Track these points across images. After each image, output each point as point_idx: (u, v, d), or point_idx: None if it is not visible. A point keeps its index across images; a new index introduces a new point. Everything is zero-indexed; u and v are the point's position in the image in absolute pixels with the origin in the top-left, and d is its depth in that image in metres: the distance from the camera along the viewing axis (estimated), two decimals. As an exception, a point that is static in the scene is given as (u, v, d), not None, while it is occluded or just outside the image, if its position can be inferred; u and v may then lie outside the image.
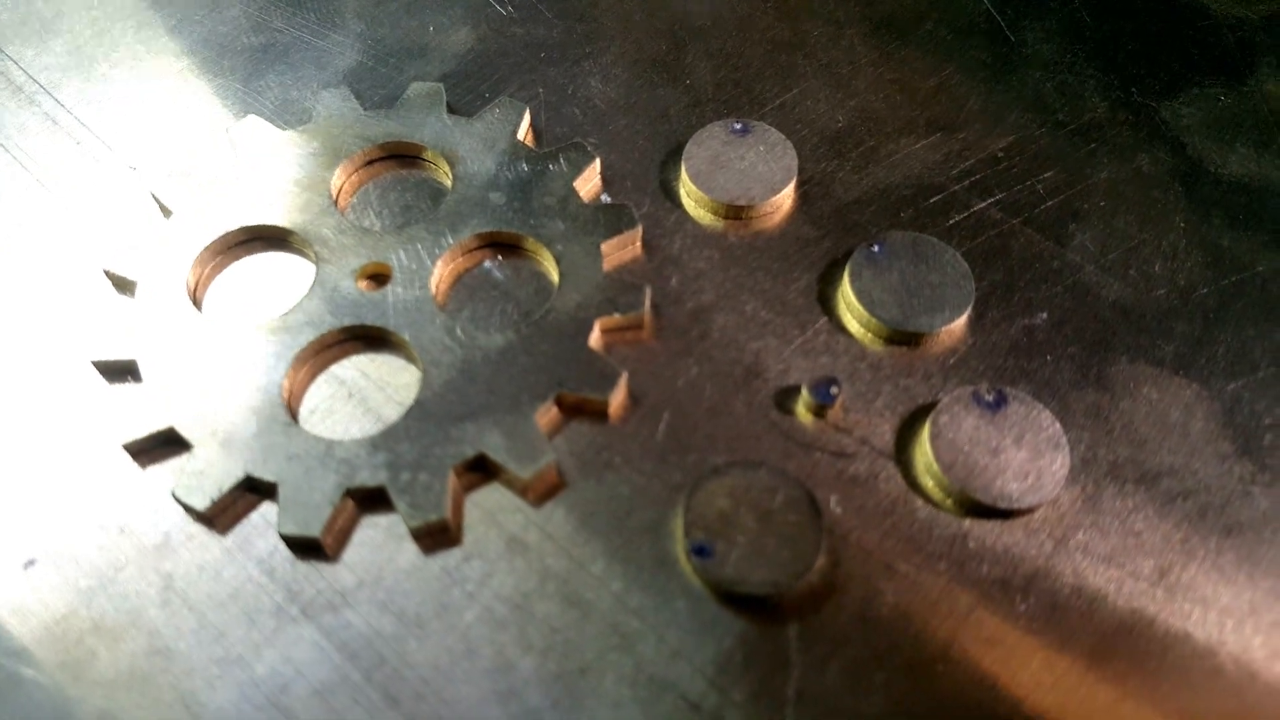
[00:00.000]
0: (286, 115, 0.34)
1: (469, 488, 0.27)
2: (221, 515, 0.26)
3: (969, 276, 0.30)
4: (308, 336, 0.29)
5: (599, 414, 0.28)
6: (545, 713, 0.24)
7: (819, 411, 0.28)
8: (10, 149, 0.34)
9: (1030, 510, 0.26)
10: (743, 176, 0.32)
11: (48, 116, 0.35)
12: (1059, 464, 0.26)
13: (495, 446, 0.27)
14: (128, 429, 0.27)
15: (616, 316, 0.29)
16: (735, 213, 0.32)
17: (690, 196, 0.32)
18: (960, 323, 0.29)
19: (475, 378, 0.28)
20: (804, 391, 0.28)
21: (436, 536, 0.26)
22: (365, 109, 0.33)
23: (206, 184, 0.32)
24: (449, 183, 0.32)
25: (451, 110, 0.34)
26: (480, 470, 0.27)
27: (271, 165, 0.32)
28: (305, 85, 0.35)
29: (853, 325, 0.30)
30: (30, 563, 0.26)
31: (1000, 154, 0.33)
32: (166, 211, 0.32)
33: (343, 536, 0.26)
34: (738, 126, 0.33)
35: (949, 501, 0.27)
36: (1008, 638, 0.25)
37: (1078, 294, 0.30)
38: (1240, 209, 0.33)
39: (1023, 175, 0.33)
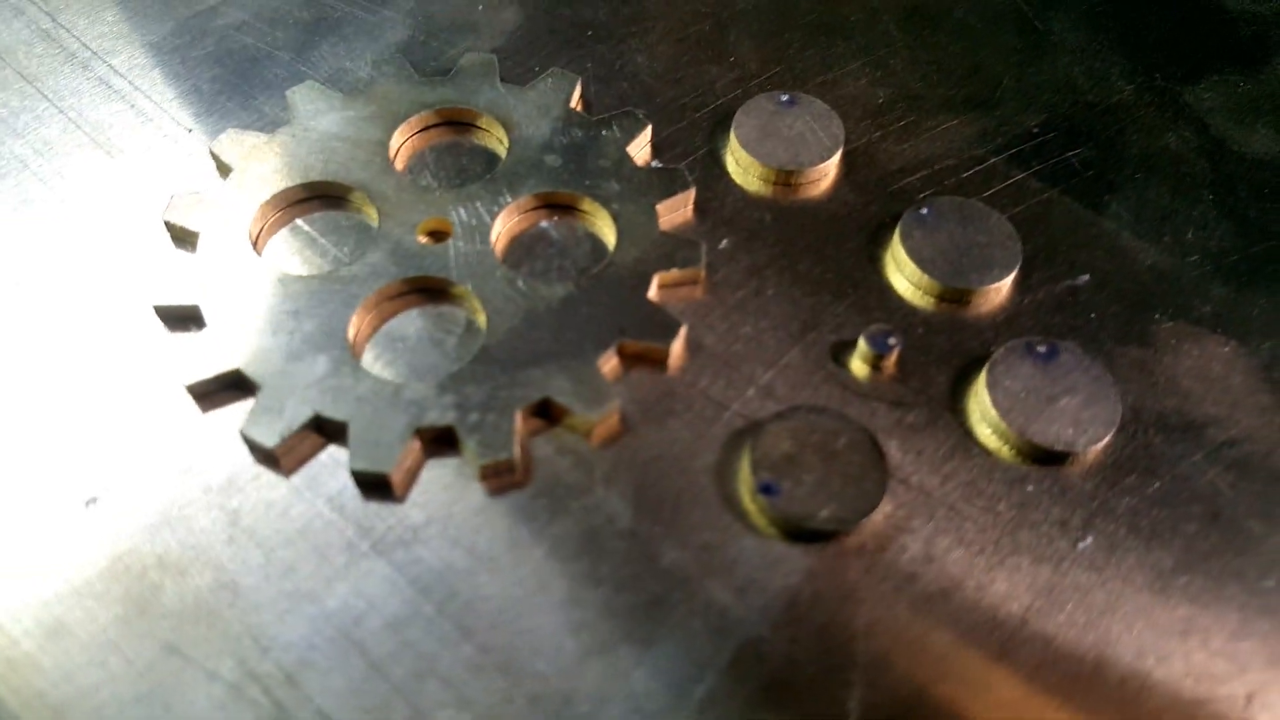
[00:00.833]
0: (340, 84, 0.35)
1: (534, 431, 0.27)
2: (288, 455, 0.26)
3: (1015, 237, 0.30)
4: (372, 286, 0.29)
5: (659, 363, 0.28)
6: (618, 644, 0.24)
7: (876, 363, 0.28)
8: (66, 111, 0.34)
9: (1084, 454, 0.27)
10: (791, 144, 0.33)
11: (101, 81, 0.36)
12: (1111, 411, 0.27)
13: (562, 390, 0.27)
14: (191, 371, 0.27)
15: (675, 271, 0.30)
16: (784, 178, 0.32)
17: (739, 163, 0.33)
18: (1008, 281, 0.30)
19: (539, 325, 0.28)
20: (861, 343, 0.28)
21: (503, 476, 0.26)
22: (420, 76, 0.34)
23: (264, 143, 0.32)
24: (503, 149, 0.33)
25: (504, 79, 0.34)
26: (544, 415, 0.27)
27: (329, 127, 0.32)
28: (358, 57, 0.36)
29: (902, 285, 0.30)
30: (92, 500, 0.26)
31: (1035, 130, 0.35)
32: (225, 169, 0.32)
33: (411, 476, 0.26)
34: (785, 98, 0.34)
35: (1005, 448, 0.27)
36: (1068, 576, 0.25)
37: (1117, 257, 0.31)
38: (1265, 184, 0.34)
39: (1057, 149, 0.34)
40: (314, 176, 0.31)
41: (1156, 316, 0.30)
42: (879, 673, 0.24)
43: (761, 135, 0.33)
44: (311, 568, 0.25)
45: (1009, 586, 0.25)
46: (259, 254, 0.30)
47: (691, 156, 0.33)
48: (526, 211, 0.32)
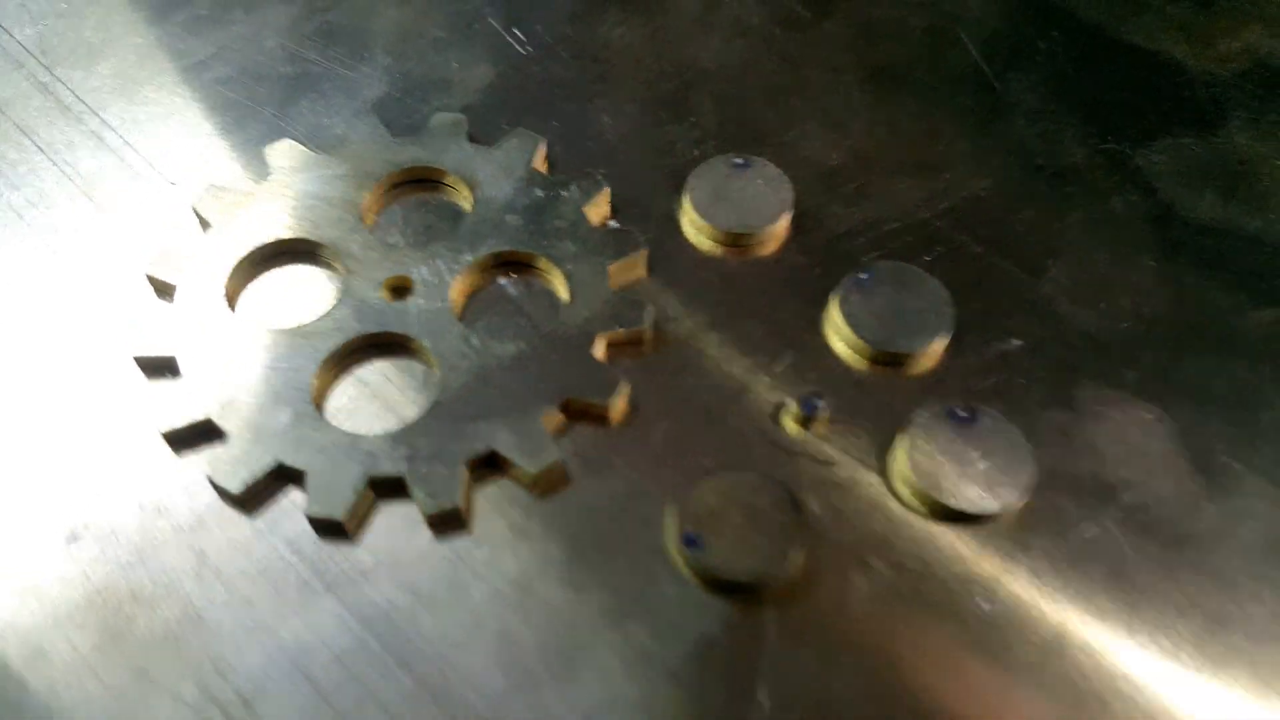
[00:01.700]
0: (317, 140, 0.40)
1: (479, 481, 0.32)
2: (252, 499, 0.31)
3: (950, 303, 0.34)
4: (335, 341, 0.33)
5: (601, 419, 0.33)
6: (544, 682, 0.28)
7: (805, 423, 0.33)
8: (59, 163, 0.40)
9: (995, 517, 0.31)
10: (741, 207, 0.37)
11: (93, 134, 0.41)
12: (1024, 475, 0.31)
13: (506, 444, 0.31)
14: (167, 419, 0.32)
15: (620, 331, 0.34)
16: (734, 240, 0.37)
17: (692, 224, 0.37)
18: (940, 345, 0.34)
19: (489, 382, 0.33)
20: (792, 404, 0.32)
21: (448, 523, 0.31)
22: (392, 136, 0.39)
23: (242, 199, 0.37)
24: (468, 206, 0.37)
25: (472, 139, 0.39)
26: (490, 466, 0.32)
27: (303, 184, 0.37)
28: (336, 113, 0.41)
29: (839, 347, 0.35)
30: (74, 538, 0.31)
31: (982, 193, 0.39)
32: (205, 224, 0.37)
33: (363, 521, 0.31)
34: (739, 161, 0.38)
35: (922, 507, 0.31)
36: (970, 632, 0.29)
37: (1050, 323, 0.35)
38: (1206, 251, 0.38)
39: (1002, 214, 0.38)
40: (286, 233, 0.36)
41: (1083, 382, 0.34)
42: (780, 714, 0.28)
43: (713, 198, 0.37)
44: (269, 603, 0.29)
45: (914, 643, 0.29)
46: (233, 307, 0.35)
47: (649, 216, 0.38)
48: (486, 269, 0.36)
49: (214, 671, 0.28)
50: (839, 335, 0.34)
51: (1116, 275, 0.37)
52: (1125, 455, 0.33)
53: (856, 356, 0.34)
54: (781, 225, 0.37)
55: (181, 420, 0.32)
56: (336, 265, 0.36)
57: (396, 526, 0.31)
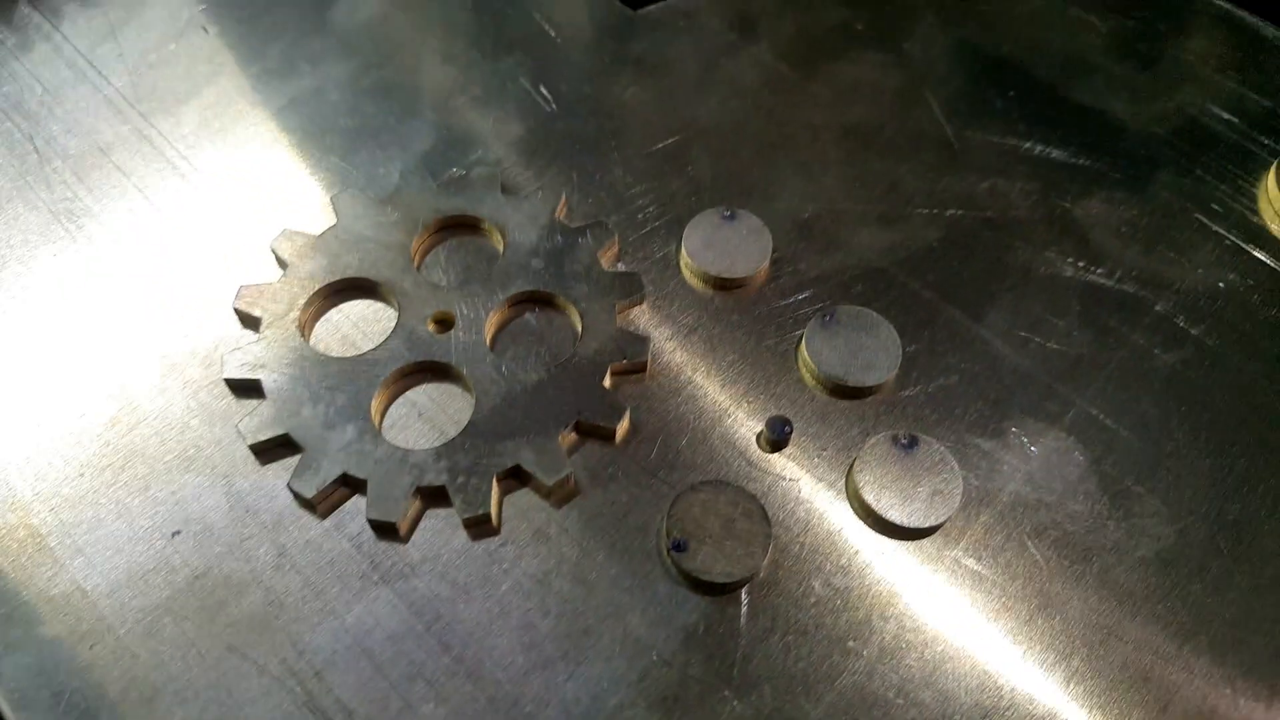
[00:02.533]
0: (375, 187, 0.41)
1: (507, 491, 0.34)
2: (322, 503, 0.33)
3: (899, 344, 0.36)
4: (390, 368, 0.35)
5: (608, 438, 0.35)
6: (557, 661, 0.30)
7: (775, 445, 0.34)
8: (156, 205, 0.41)
9: (929, 530, 0.32)
10: (728, 253, 0.38)
11: (183, 177, 0.42)
12: (954, 495, 0.33)
13: (528, 460, 0.33)
14: (253, 433, 0.34)
15: (625, 362, 0.36)
16: (721, 283, 0.38)
17: (687, 267, 0.39)
18: (890, 380, 0.35)
19: (515, 405, 0.35)
20: (764, 428, 0.34)
21: (481, 526, 0.33)
22: (437, 185, 0.40)
23: (313, 242, 0.38)
24: (501, 249, 0.39)
25: (505, 189, 0.40)
26: (516, 477, 0.34)
27: (364, 229, 0.39)
28: (391, 162, 0.42)
29: (807, 378, 0.36)
30: (176, 533, 0.33)
31: (935, 244, 0.40)
32: (282, 263, 0.38)
33: (413, 523, 0.33)
34: (726, 213, 0.39)
35: (869, 520, 0.33)
36: (906, 622, 0.31)
37: (986, 361, 0.37)
38: (1127, 298, 0.39)
39: (951, 262, 0.39)
40: (350, 273, 0.38)
41: (1011, 414, 0.35)
42: (750, 690, 0.30)
43: (705, 245, 0.38)
44: (336, 591, 0.32)
45: (858, 633, 0.31)
46: (306, 337, 0.37)
47: (651, 259, 0.39)
48: (514, 305, 0.38)
49: (292, 648, 0.31)
50: (806, 369, 0.36)
51: (1046, 319, 0.38)
52: (1044, 478, 0.34)
53: (820, 388, 0.36)
54: (762, 270, 0.38)
55: (265, 435, 0.34)
56: (391, 301, 0.38)
57: (439, 528, 0.33)
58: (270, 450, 0.34)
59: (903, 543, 0.33)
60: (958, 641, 0.31)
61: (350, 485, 0.33)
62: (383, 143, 0.43)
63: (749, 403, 0.36)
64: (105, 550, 0.33)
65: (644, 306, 0.38)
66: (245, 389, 0.36)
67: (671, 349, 0.37)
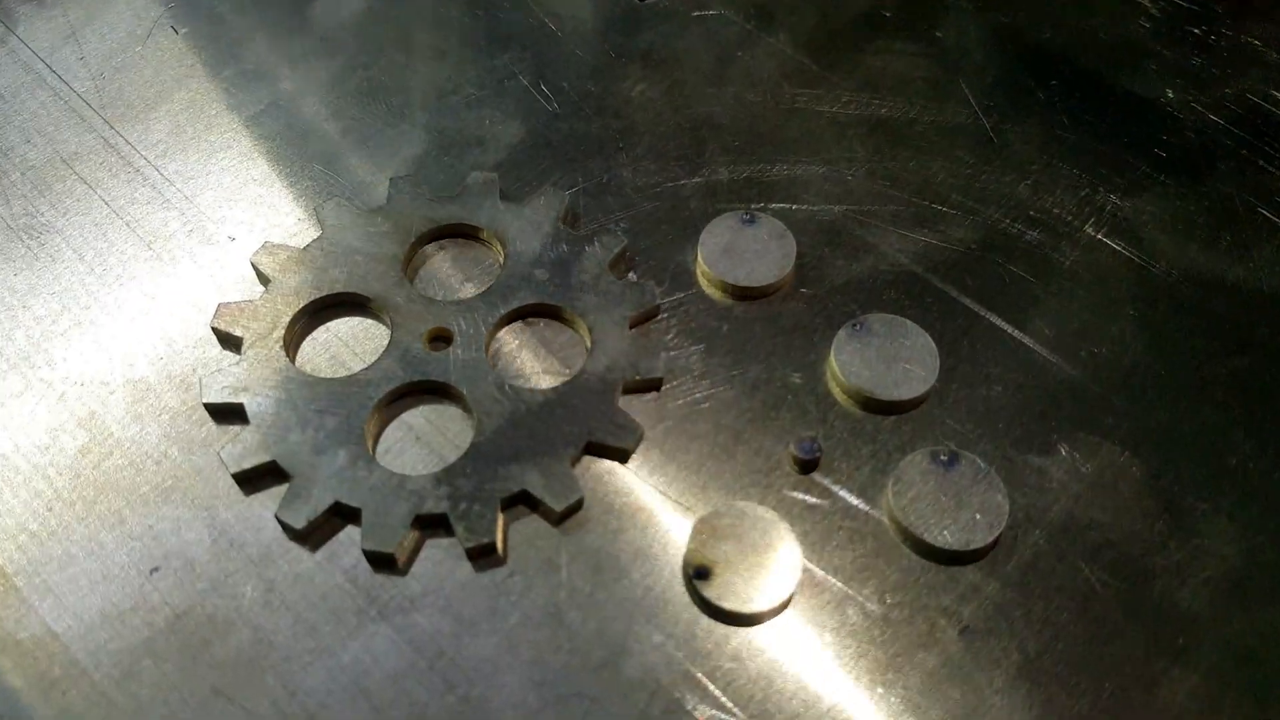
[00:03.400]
0: (363, 196, 0.44)
1: (513, 517, 0.36)
2: (313, 534, 0.36)
3: (935, 354, 0.39)
4: (384, 389, 0.38)
5: (621, 460, 0.37)
6: (571, 699, 0.33)
7: (804, 463, 0.37)
8: (126, 219, 0.45)
9: (973, 553, 0.35)
10: (748, 260, 0.41)
11: (154, 189, 0.46)
12: (999, 515, 0.35)
13: (535, 484, 0.36)
14: (236, 461, 0.37)
15: (639, 378, 0.39)
16: (741, 292, 0.41)
17: (704, 276, 0.42)
18: (926, 393, 0.38)
19: (520, 426, 0.37)
20: (791, 447, 0.37)
21: (486, 556, 0.36)
22: (431, 194, 0.44)
23: (297, 255, 0.42)
24: (501, 260, 0.42)
25: (504, 196, 0.44)
26: (523, 502, 0.37)
27: (352, 240, 0.42)
28: (379, 169, 0.45)
29: (836, 392, 0.39)
30: (155, 570, 0.36)
31: (973, 246, 0.43)
32: (264, 279, 0.42)
33: (412, 554, 0.36)
34: (746, 217, 0.42)
35: (906, 544, 0.36)
36: (944, 659, 0.34)
37: (1031, 372, 0.40)
38: (1186, 300, 0.42)
39: (992, 265, 0.42)
40: (338, 288, 0.41)
41: (1060, 427, 0.38)
42: (779, 731, 0.32)
43: (723, 252, 0.42)
44: (330, 628, 0.34)
45: (896, 666, 0.34)
46: (292, 357, 0.40)
47: (665, 267, 0.42)
48: (516, 320, 0.41)
49: (283, 689, 0.33)
50: (836, 382, 0.39)
51: (1097, 325, 0.41)
52: (1096, 496, 0.37)
53: (851, 402, 0.39)
54: (785, 278, 0.41)
55: (249, 462, 0.37)
56: (383, 317, 0.41)
57: (440, 559, 0.36)
58: (255, 479, 0.37)
59: (945, 567, 0.35)
60: (1007, 674, 0.33)
61: (343, 515, 0.36)
62: (370, 148, 0.46)
63: (774, 420, 0.38)
64: (77, 590, 0.35)
65: (658, 319, 0.41)
66: (227, 414, 0.39)
67: (689, 364, 0.40)
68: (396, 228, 0.42)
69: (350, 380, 0.39)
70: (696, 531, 0.35)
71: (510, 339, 0.41)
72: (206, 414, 0.39)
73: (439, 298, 0.41)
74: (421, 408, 0.39)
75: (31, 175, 0.46)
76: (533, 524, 0.36)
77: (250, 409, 0.38)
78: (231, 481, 0.37)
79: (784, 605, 0.34)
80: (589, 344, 0.40)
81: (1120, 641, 0.34)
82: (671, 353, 0.40)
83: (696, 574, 0.34)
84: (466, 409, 0.39)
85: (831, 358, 0.39)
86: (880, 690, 0.33)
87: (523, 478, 0.36)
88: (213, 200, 0.45)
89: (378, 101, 0.48)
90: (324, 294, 0.41)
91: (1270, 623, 0.34)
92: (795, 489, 0.37)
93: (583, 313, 0.40)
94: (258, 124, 0.48)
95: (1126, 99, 0.48)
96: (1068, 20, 0.51)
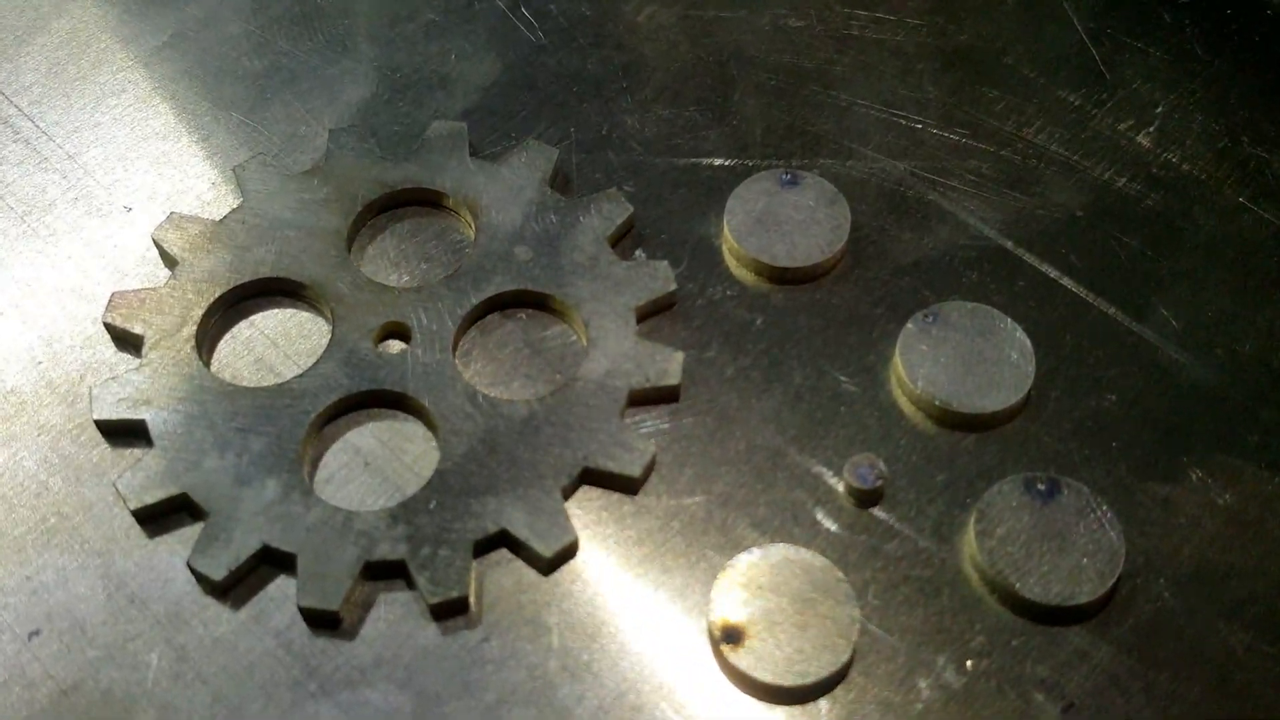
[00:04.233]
0: (296, 153, 0.45)
1: (490, 565, 0.37)
2: (235, 587, 0.36)
3: (1030, 353, 0.39)
4: (324, 401, 0.39)
5: (627, 490, 0.38)
6: (565, 798, 0.33)
7: (861, 494, 0.37)
8: (-4, 183, 0.45)
9: (1078, 609, 0.35)
10: (789, 233, 0.42)
11: (28, 144, 0.46)
12: (1112, 560, 0.35)
13: (517, 523, 0.36)
14: (137, 494, 0.37)
15: (649, 385, 0.39)
16: (781, 275, 0.42)
17: (733, 254, 0.42)
18: (1018, 403, 0.39)
19: (497, 448, 0.38)
20: (845, 474, 0.37)
21: (456, 615, 0.36)
22: (381, 150, 0.44)
23: (211, 231, 0.42)
24: (472, 234, 0.42)
25: (474, 152, 0.44)
26: (502, 546, 0.37)
27: (281, 211, 0.43)
28: (315, 118, 0.46)
29: (903, 402, 0.39)
30: (34, 633, 0.36)
31: (1080, 213, 0.43)
32: (169, 260, 0.42)
33: (361, 611, 0.36)
34: (786, 177, 0.43)
35: (993, 596, 0.36)
36: (1049, 740, 0.34)
37: (1154, 375, 0.40)
38: (1354, 282, 0.42)
39: (1103, 238, 0.42)
40: (264, 272, 0.41)
41: (1191, 447, 0.38)
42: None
43: (757, 222, 0.42)
44: (258, 708, 0.35)
45: (982, 750, 0.34)
46: (206, 361, 0.40)
47: (682, 244, 0.43)
48: (492, 313, 0.41)
49: (200, 783, 0.34)
50: (902, 389, 0.39)
51: (1240, 315, 0.41)
52: (1237, 537, 0.37)
53: (922, 415, 0.39)
54: (837, 256, 0.42)
55: (154, 495, 0.37)
56: (322, 308, 0.41)
57: (397, 617, 0.36)
58: (161, 517, 0.38)
59: (1043, 627, 0.35)
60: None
61: (273, 563, 0.37)
62: (303, 91, 0.47)
63: (824, 440, 0.39)
64: (-63, 659, 0.36)
65: (673, 310, 0.41)
66: (124, 434, 0.39)
67: (713, 367, 0.40)
68: (338, 194, 0.43)
69: (281, 390, 0.39)
70: (724, 583, 0.35)
71: (484, 336, 0.41)
72: (98, 434, 0.39)
73: (393, 283, 0.42)
74: (372, 425, 0.39)
75: None
76: (515, 574, 0.37)
77: (154, 427, 0.38)
78: (131, 520, 0.38)
79: (837, 677, 0.35)
80: (585, 342, 0.40)
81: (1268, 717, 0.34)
82: (690, 352, 0.40)
83: (725, 637, 0.35)
84: (430, 426, 0.39)
85: (896, 358, 0.39)
86: (960, 785, 0.34)
87: (501, 515, 0.37)
88: (102, 159, 0.46)
89: (313, 30, 0.48)
90: (246, 279, 0.41)
91: None
92: (851, 527, 0.37)
93: (577, 302, 0.40)
94: (159, 61, 0.48)
95: (1279, 21, 0.48)
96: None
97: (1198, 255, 0.42)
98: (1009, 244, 0.42)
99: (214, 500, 0.37)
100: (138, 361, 0.40)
